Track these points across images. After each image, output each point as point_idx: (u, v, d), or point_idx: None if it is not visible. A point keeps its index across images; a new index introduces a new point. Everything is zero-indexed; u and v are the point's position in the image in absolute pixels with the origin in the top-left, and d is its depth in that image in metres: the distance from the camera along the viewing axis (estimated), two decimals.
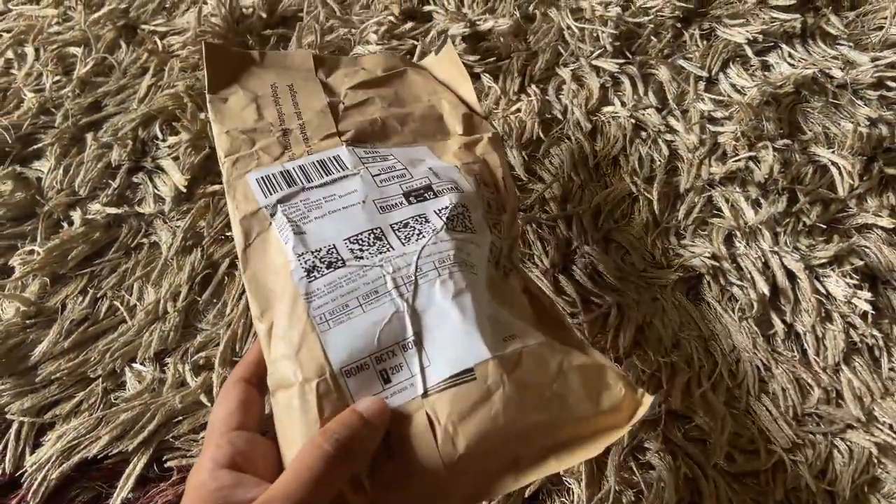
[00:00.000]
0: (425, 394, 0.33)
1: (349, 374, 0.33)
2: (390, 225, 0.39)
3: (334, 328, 0.34)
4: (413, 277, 0.36)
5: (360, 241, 0.37)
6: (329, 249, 0.37)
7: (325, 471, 0.29)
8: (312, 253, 0.36)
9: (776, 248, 0.60)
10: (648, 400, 0.37)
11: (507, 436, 0.33)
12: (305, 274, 0.36)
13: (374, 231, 0.38)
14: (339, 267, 0.36)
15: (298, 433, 0.32)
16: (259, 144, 0.42)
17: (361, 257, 0.37)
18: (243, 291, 0.59)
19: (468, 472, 0.33)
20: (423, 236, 0.38)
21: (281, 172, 0.41)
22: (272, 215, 0.39)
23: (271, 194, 0.39)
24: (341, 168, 0.41)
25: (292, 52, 0.51)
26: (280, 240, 0.37)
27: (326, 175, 0.41)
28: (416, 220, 0.39)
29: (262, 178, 0.40)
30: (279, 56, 0.50)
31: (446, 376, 0.33)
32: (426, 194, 0.41)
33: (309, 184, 0.40)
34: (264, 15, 0.75)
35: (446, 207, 0.40)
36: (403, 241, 0.38)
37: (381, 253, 0.37)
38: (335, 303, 0.35)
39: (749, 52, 0.71)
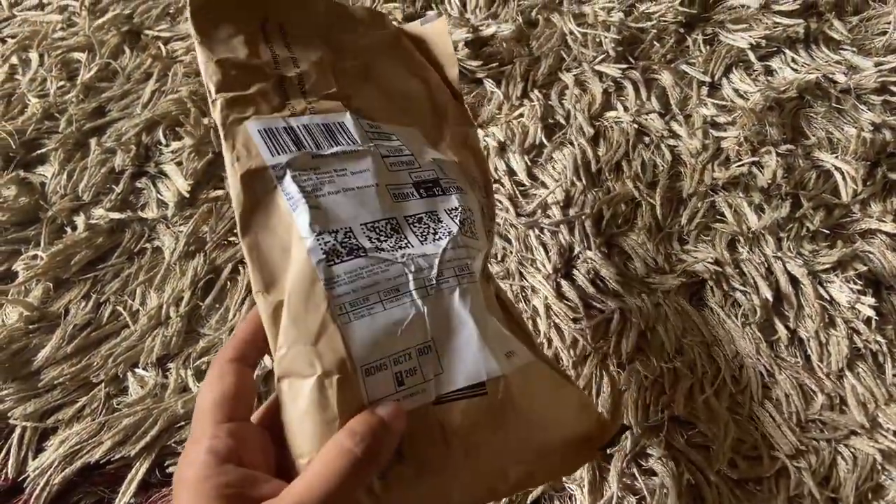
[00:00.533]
0: (437, 401, 0.33)
1: (368, 372, 0.32)
2: (405, 217, 0.37)
3: (355, 322, 0.32)
4: (435, 282, 0.35)
5: (378, 230, 0.35)
6: (347, 233, 0.34)
7: (352, 473, 0.29)
8: (331, 233, 0.34)
9: (779, 254, 0.59)
10: (616, 424, 0.39)
11: (505, 450, 0.34)
12: (325, 257, 0.33)
13: (391, 221, 0.36)
14: (360, 255, 0.34)
15: (314, 431, 0.31)
16: (255, 88, 0.37)
17: (382, 249, 0.35)
18: (246, 296, 0.59)
19: (467, 481, 0.33)
20: (441, 238, 0.37)
21: (286, 129, 0.37)
22: (279, 178, 0.35)
23: (279, 154, 0.35)
24: (350, 140, 0.38)
25: None
26: (289, 209, 0.34)
27: (335, 145, 0.37)
28: (430, 217, 0.37)
29: (265, 130, 0.36)
30: None
31: (459, 387, 0.33)
32: (434, 189, 0.39)
33: (318, 151, 0.36)
34: None
35: (456, 209, 0.38)
36: (421, 239, 0.36)
37: (400, 248, 0.35)
38: (356, 294, 0.33)
39: (752, 57, 0.71)
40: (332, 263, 0.33)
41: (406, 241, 0.36)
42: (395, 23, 0.48)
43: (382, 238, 0.35)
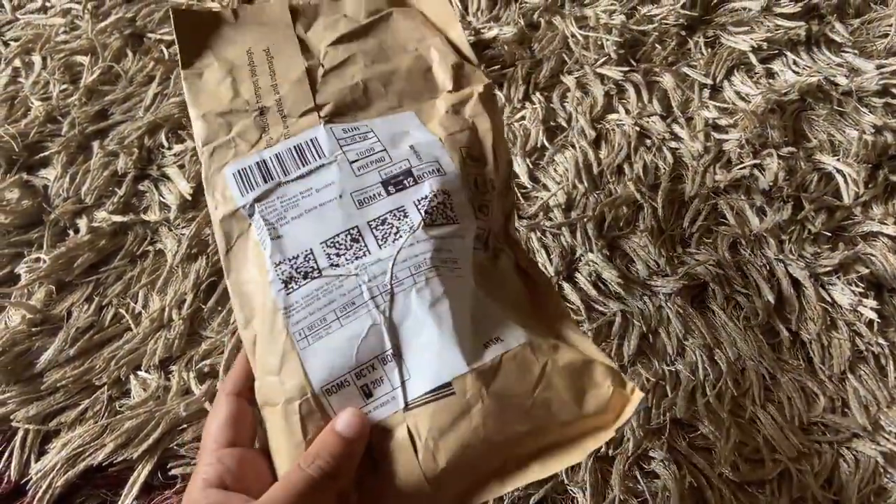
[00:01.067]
0: (406, 407, 0.33)
1: (330, 392, 0.33)
2: (368, 222, 0.37)
3: (313, 344, 0.34)
4: (389, 286, 0.35)
5: (337, 245, 0.36)
6: (306, 256, 0.36)
7: (310, 494, 0.30)
8: (289, 261, 0.35)
9: (781, 256, 0.60)
10: (638, 397, 0.35)
11: (489, 447, 0.33)
12: (283, 286, 0.35)
13: (351, 231, 0.37)
14: (315, 277, 0.35)
15: (285, 454, 0.33)
16: (236, 129, 0.40)
17: (337, 265, 0.35)
18: None
19: (451, 483, 0.33)
20: (400, 236, 0.36)
21: (258, 164, 0.39)
22: (251, 216, 0.37)
23: (248, 192, 0.38)
24: (319, 155, 0.39)
25: (268, 3, 0.46)
26: (259, 244, 0.36)
27: (304, 165, 0.39)
28: (394, 214, 0.37)
29: (238, 171, 0.38)
30: (255, 10, 0.46)
31: (426, 391, 0.33)
32: (405, 181, 0.38)
33: (286, 177, 0.38)
34: None
35: (425, 197, 0.38)
36: (380, 243, 0.36)
37: (357, 259, 0.36)
38: (313, 317, 0.34)
39: (753, 59, 0.71)
40: (289, 291, 0.35)
41: (365, 248, 0.36)
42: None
43: (341, 252, 0.36)
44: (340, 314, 0.34)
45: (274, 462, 0.34)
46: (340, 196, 0.37)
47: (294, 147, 0.39)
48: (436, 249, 0.36)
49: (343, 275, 0.35)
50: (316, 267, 0.35)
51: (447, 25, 0.47)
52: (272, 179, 0.38)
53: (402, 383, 0.33)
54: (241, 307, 0.36)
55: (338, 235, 0.36)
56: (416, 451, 0.32)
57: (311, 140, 0.40)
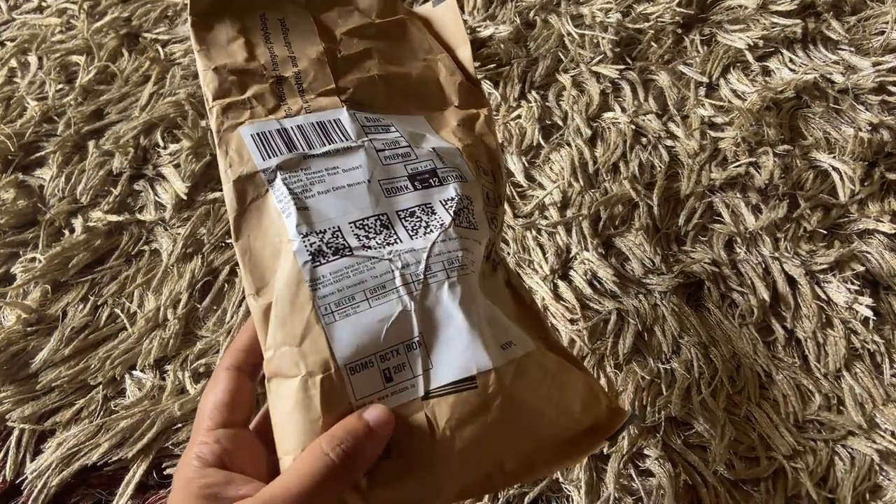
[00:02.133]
0: (426, 396, 0.33)
1: (353, 370, 0.32)
2: (396, 212, 0.37)
3: (340, 321, 0.33)
4: (423, 277, 0.35)
5: (367, 227, 0.36)
6: (334, 232, 0.35)
7: (328, 479, 0.29)
8: (317, 234, 0.35)
9: (777, 254, 0.59)
10: (625, 413, 0.38)
11: (500, 442, 0.34)
12: (311, 258, 0.34)
13: (381, 217, 0.36)
14: (345, 255, 0.34)
15: (298, 430, 0.32)
16: (251, 91, 0.39)
17: (369, 247, 0.35)
18: (243, 298, 0.59)
19: (460, 474, 0.33)
20: (431, 231, 0.37)
21: (279, 131, 0.38)
22: (270, 181, 0.36)
23: (270, 157, 0.37)
24: (344, 137, 0.39)
25: None
26: (279, 212, 0.35)
27: (329, 143, 0.38)
28: (423, 209, 0.38)
29: (258, 134, 0.37)
30: None
31: (449, 381, 0.33)
32: (431, 180, 0.39)
33: (310, 150, 0.37)
34: None
35: (452, 199, 0.38)
36: (411, 234, 0.36)
37: (388, 244, 0.35)
38: (341, 294, 0.34)
39: (750, 57, 0.71)
40: (317, 264, 0.34)
41: (395, 236, 0.36)
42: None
43: (371, 235, 0.36)
44: (370, 295, 0.34)
45: (277, 440, 0.33)
46: (369, 181, 0.37)
47: (317, 123, 0.39)
48: (464, 249, 0.37)
49: (375, 257, 0.35)
50: (347, 245, 0.35)
51: (457, 44, 0.47)
52: (296, 150, 0.37)
53: (425, 371, 0.33)
54: (252, 274, 0.35)
55: (368, 219, 0.36)
56: (434, 439, 0.32)
57: (335, 120, 0.39)
